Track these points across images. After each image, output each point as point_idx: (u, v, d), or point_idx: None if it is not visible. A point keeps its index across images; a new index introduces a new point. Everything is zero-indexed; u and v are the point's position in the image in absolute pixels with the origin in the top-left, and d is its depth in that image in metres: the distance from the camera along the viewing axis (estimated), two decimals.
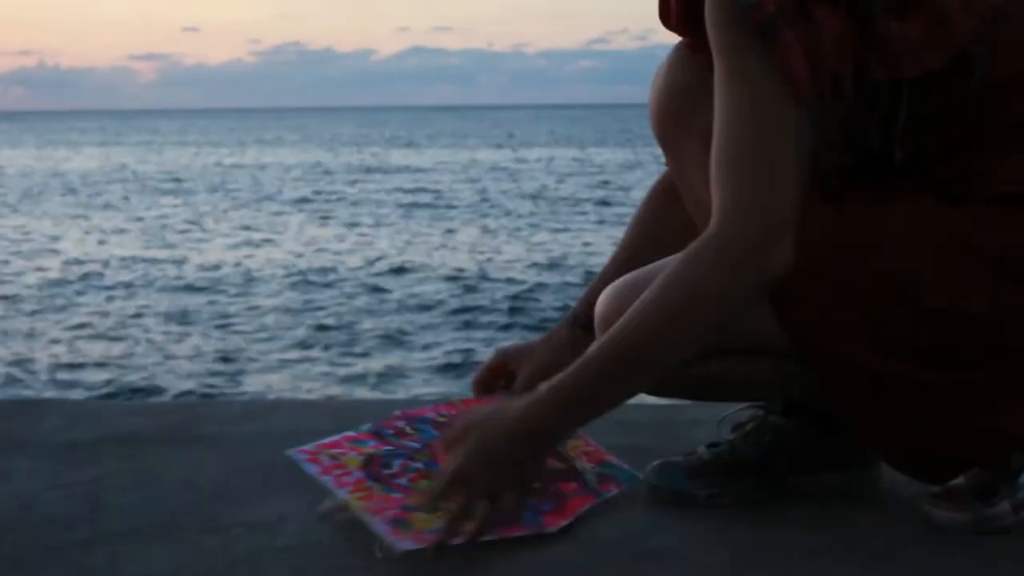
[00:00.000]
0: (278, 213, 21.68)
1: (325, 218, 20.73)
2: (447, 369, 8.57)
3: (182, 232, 18.32)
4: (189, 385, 7.97)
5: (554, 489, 1.51)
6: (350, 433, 1.61)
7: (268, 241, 17.23)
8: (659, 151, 1.55)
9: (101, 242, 16.59)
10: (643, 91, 1.64)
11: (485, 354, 7.38)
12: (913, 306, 1.28)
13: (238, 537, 1.50)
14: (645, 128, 1.79)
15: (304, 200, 24.39)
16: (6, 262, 14.45)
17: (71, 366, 8.66)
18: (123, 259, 14.71)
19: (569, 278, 12.84)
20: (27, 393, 7.75)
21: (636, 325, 1.27)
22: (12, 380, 8.21)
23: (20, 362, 8.85)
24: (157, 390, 7.91)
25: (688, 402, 1.94)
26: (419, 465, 1.54)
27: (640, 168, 34.91)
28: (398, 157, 44.31)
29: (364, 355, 9.03)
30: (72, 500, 1.63)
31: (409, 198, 24.25)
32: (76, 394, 7.69)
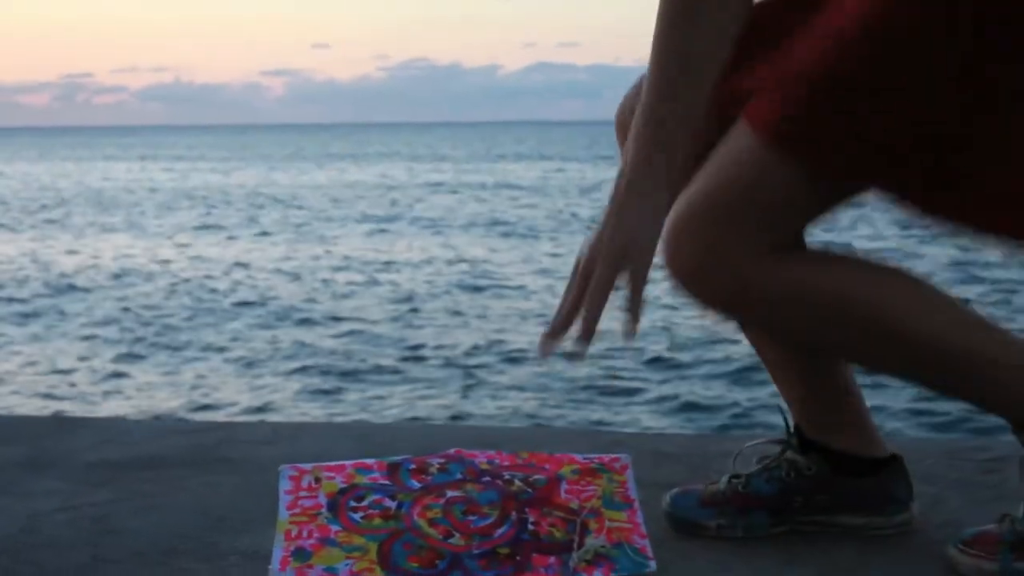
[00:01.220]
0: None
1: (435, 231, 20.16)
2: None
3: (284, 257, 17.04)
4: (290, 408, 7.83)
5: (522, 558, 1.46)
6: (368, 461, 1.60)
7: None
8: None
9: (198, 258, 16.51)
10: None
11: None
12: None
13: (232, 566, 1.47)
14: None
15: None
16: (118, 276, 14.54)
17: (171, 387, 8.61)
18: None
19: None
20: (107, 407, 7.78)
21: None
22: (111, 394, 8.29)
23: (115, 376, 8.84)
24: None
25: (719, 434, 1.85)
26: (391, 504, 1.52)
27: None
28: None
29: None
30: (78, 523, 1.63)
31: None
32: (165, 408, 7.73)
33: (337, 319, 11.14)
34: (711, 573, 1.46)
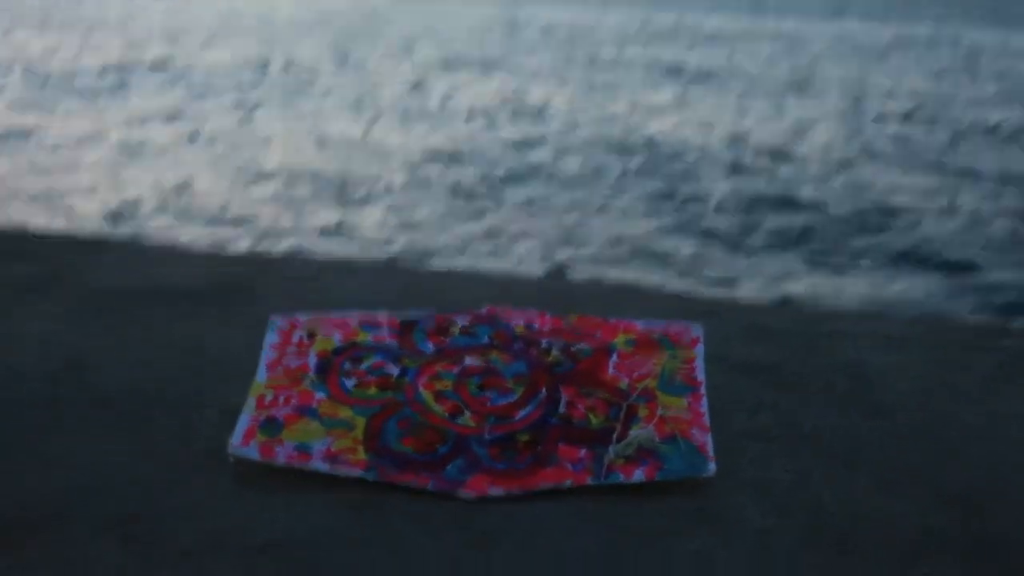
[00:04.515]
0: None
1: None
2: None
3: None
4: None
5: (545, 447, 1.18)
6: (380, 315, 1.34)
7: None
8: None
9: None
10: None
11: None
12: None
13: (203, 423, 1.24)
14: None
15: None
16: None
17: None
18: None
19: None
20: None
21: None
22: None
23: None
24: None
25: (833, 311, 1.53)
26: (393, 370, 1.25)
27: None
28: None
29: None
30: (52, 354, 1.41)
31: None
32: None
33: None
34: (782, 476, 1.17)
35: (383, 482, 1.12)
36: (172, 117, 9.37)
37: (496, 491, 1.12)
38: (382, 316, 1.36)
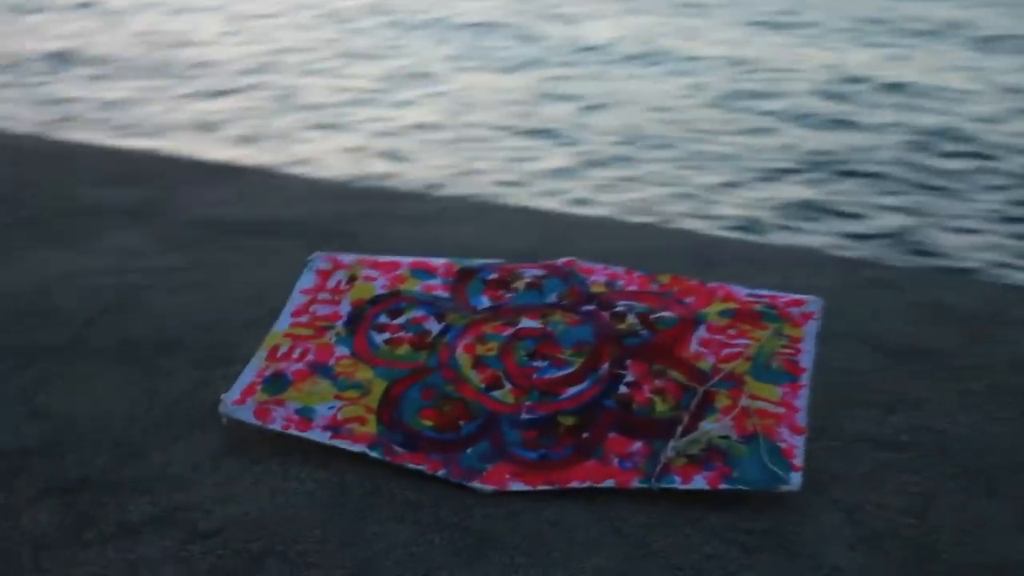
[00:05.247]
0: None
1: None
2: None
3: None
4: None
5: (593, 435, 0.95)
6: (436, 261, 1.15)
7: None
8: None
9: None
10: None
11: None
12: None
13: (214, 379, 1.09)
14: None
15: None
16: None
17: None
18: None
19: None
20: None
21: None
22: None
23: None
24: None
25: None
26: (433, 327, 1.08)
27: None
28: None
29: None
30: (101, 292, 1.31)
31: None
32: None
33: None
34: (892, 500, 0.91)
35: (388, 461, 0.93)
36: None
37: (518, 486, 0.91)
38: (438, 262, 1.17)
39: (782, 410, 0.98)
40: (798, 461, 0.92)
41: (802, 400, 0.99)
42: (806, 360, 1.03)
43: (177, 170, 1.99)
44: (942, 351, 1.18)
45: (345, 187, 2.03)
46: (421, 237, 1.53)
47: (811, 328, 1.06)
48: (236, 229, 1.55)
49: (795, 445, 0.94)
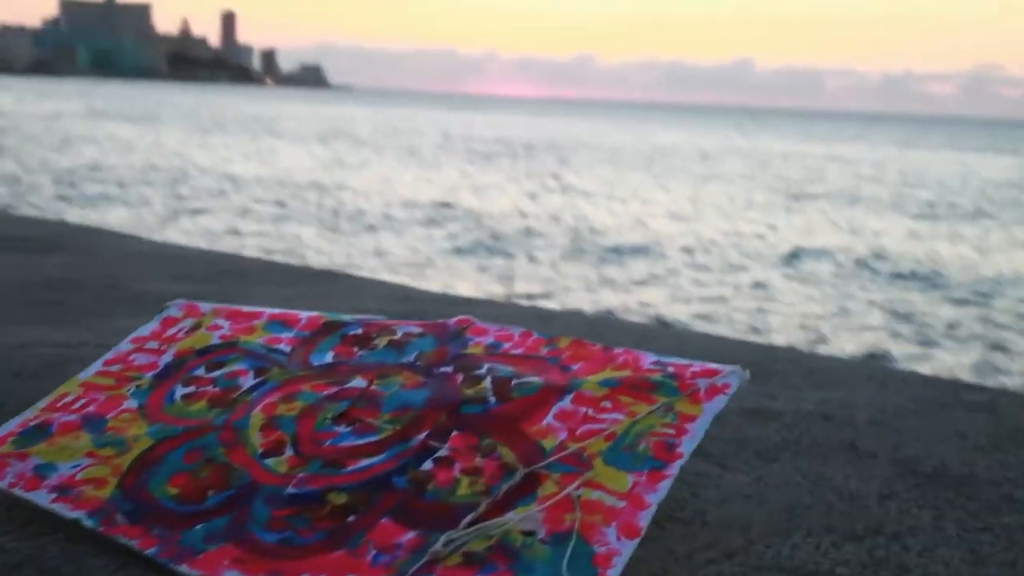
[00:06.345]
0: None
1: None
2: None
3: None
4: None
5: (359, 519, 0.74)
6: (312, 314, 1.03)
7: None
8: None
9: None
10: None
11: None
12: None
13: None
14: None
15: None
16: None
17: None
18: None
19: None
20: None
21: None
22: None
23: None
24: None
25: None
26: (246, 383, 0.92)
27: None
28: None
29: None
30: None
31: None
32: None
33: None
34: None
35: (100, 532, 0.75)
36: None
37: (232, 575, 0.68)
38: (305, 315, 1.02)
39: (622, 504, 0.70)
40: (614, 572, 0.64)
41: (658, 494, 0.71)
42: (687, 445, 0.74)
43: None
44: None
45: None
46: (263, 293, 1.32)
47: (714, 406, 0.78)
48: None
49: (617, 552, 0.67)
